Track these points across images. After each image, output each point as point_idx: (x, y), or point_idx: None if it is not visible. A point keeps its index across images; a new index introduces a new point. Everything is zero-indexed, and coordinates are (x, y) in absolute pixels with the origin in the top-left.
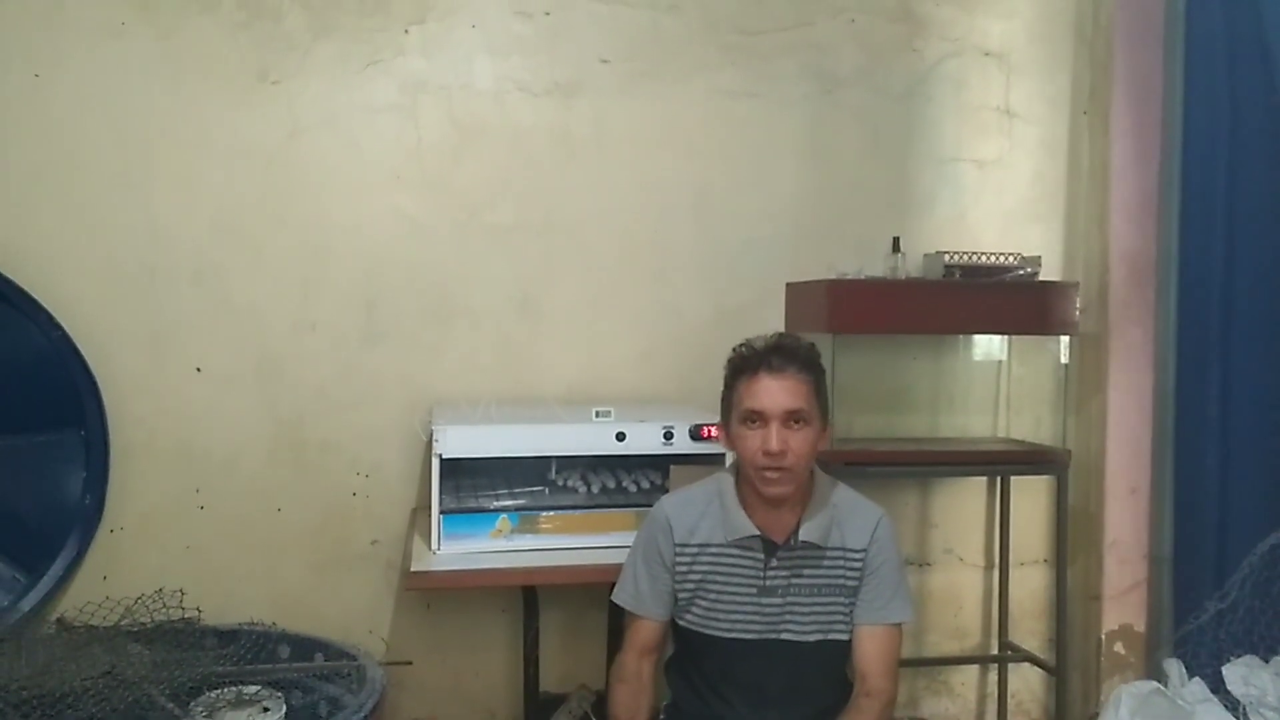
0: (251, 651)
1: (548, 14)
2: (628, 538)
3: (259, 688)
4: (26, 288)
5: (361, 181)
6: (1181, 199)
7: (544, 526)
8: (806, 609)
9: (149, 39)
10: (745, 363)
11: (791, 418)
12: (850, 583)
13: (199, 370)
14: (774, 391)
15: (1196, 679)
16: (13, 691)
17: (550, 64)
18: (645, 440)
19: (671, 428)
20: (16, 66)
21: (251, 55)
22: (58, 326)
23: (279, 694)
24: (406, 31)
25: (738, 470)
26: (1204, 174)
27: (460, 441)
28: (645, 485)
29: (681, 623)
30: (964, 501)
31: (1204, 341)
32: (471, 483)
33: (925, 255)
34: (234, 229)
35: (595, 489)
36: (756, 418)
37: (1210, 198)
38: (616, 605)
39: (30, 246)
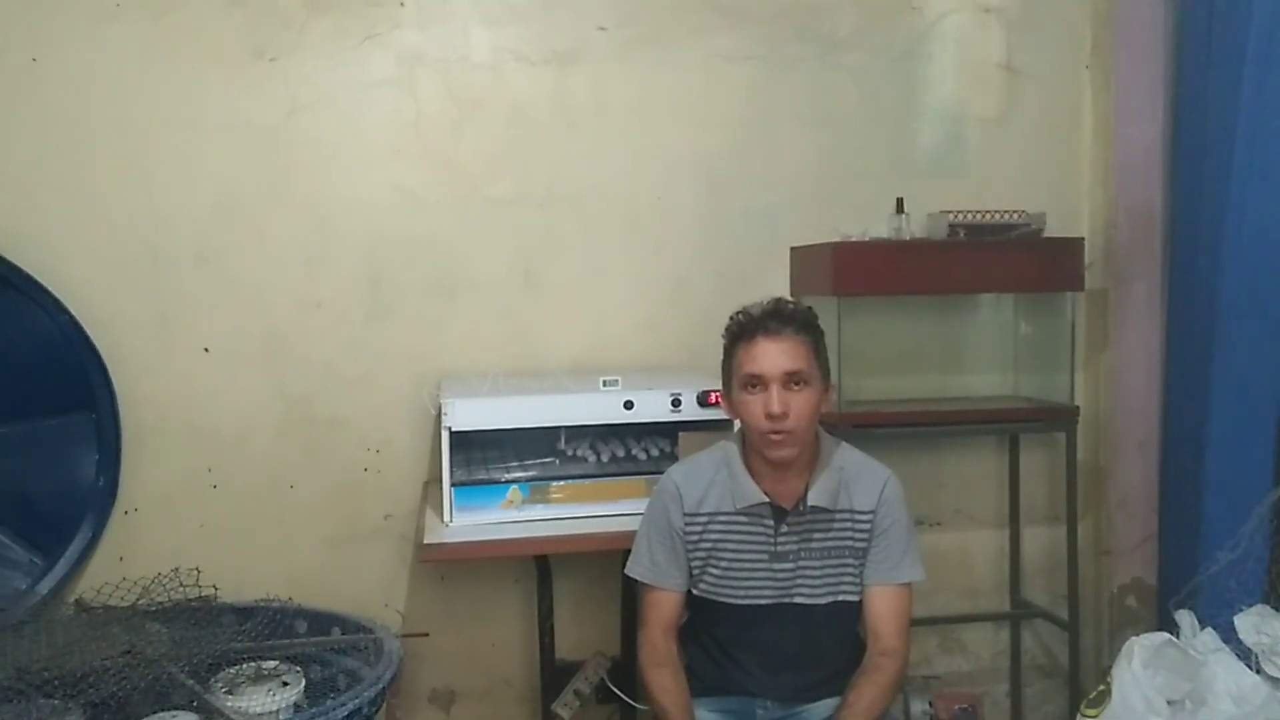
0: (269, 627)
1: None
2: (638, 505)
3: (277, 663)
4: (32, 273)
5: (361, 157)
6: (1173, 156)
7: (555, 496)
8: (817, 572)
9: (145, 20)
10: (742, 329)
11: (791, 379)
12: (859, 544)
13: (207, 350)
14: (772, 354)
15: (1208, 629)
16: (34, 672)
17: (547, 33)
18: (653, 408)
19: (679, 395)
20: (13, 51)
21: (247, 33)
22: (65, 310)
23: (297, 668)
24: (402, 4)
25: (743, 438)
26: (1198, 130)
27: (469, 414)
28: (654, 453)
29: (696, 592)
30: (973, 461)
31: (1194, 306)
32: (482, 455)
33: (929, 215)
34: (236, 208)
35: (605, 458)
36: (756, 382)
37: (1202, 155)
38: (629, 576)
39: (34, 231)
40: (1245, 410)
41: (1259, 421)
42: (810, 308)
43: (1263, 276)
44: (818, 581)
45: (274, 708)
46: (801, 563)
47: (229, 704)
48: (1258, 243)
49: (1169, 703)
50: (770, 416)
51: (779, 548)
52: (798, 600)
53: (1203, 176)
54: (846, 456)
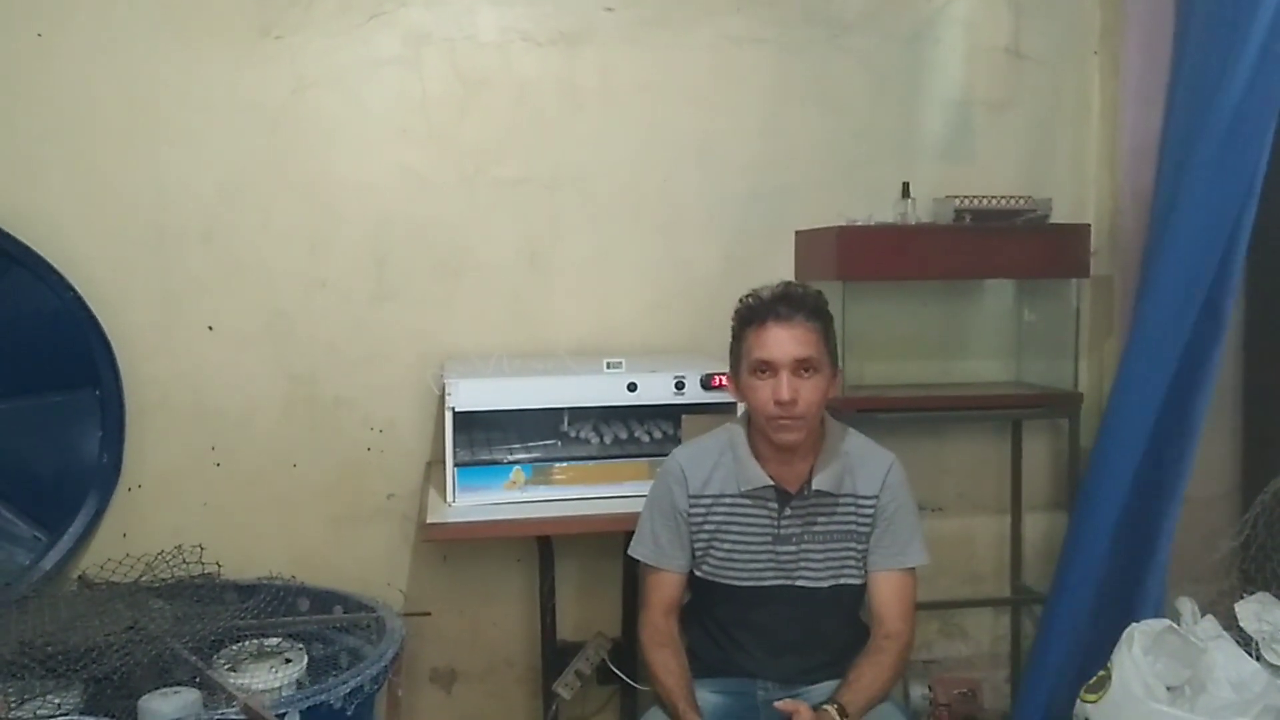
0: (271, 605)
1: None
2: (641, 487)
3: (280, 640)
4: (37, 249)
5: (367, 137)
6: (1160, 145)
7: (557, 478)
8: (820, 555)
9: None
10: (753, 313)
11: (801, 366)
12: (861, 529)
13: (211, 329)
14: (783, 340)
15: (1209, 616)
16: (38, 647)
17: (554, 13)
18: (657, 390)
19: (683, 377)
20: (19, 26)
21: (254, 10)
22: (70, 288)
23: (300, 646)
24: None
25: (748, 421)
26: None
27: (473, 395)
28: (657, 435)
29: (698, 573)
30: (976, 446)
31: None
32: (485, 436)
33: (935, 200)
34: (242, 187)
35: (608, 440)
36: (766, 367)
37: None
38: (632, 556)
39: (39, 208)
40: (1138, 403)
41: (1142, 418)
42: (820, 292)
43: (1199, 272)
44: (820, 565)
45: (276, 684)
46: (804, 546)
47: (231, 680)
48: (1197, 240)
49: (1169, 689)
50: (779, 403)
51: (782, 531)
52: (800, 583)
53: (1164, 168)
54: (852, 441)
